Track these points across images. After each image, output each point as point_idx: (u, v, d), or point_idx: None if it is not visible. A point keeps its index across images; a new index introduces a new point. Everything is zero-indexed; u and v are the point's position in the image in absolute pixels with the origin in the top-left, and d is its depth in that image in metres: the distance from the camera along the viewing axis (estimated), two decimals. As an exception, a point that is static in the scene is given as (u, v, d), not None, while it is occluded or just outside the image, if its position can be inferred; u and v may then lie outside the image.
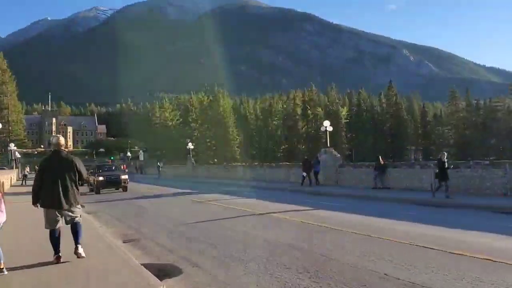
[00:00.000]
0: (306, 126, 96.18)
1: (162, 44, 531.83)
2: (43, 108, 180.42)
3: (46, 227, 7.00)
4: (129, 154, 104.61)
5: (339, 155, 26.60)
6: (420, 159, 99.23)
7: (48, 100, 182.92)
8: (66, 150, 7.51)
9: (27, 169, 49.11)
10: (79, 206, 7.32)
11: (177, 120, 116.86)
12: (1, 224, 6.42)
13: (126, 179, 26.16)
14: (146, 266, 6.92)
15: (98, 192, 24.63)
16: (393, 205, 15.34)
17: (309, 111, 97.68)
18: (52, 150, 7.25)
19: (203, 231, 10.55)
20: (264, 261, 7.17)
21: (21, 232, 10.20)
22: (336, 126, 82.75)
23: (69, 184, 6.97)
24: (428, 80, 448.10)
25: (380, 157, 21.74)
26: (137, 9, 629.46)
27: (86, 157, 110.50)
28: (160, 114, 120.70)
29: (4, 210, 6.43)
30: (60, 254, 6.98)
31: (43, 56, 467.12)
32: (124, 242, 9.56)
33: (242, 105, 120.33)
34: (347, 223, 10.86)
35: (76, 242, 7.13)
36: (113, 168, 29.23)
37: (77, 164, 7.18)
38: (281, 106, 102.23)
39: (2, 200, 6.44)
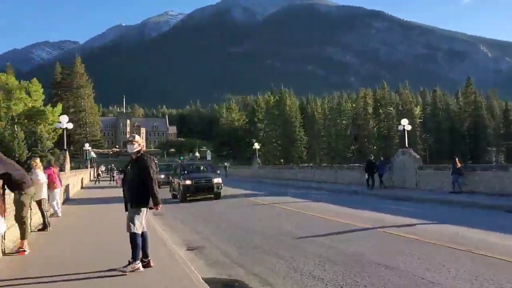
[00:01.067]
0: (377, 126, 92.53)
1: (229, 46, 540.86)
2: (118, 110, 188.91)
3: (137, 230, 6.38)
4: (197, 154, 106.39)
5: (418, 156, 24.50)
6: (503, 161, 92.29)
7: (123, 102, 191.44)
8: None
9: (102, 168, 50.80)
10: None
11: (243, 120, 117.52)
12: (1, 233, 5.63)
13: (219, 184, 20.07)
14: (210, 281, 6.13)
15: (184, 200, 19.36)
16: (489, 214, 13.40)
17: (380, 110, 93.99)
18: (142, 150, 6.82)
19: (275, 240, 9.45)
20: (349, 282, 5.98)
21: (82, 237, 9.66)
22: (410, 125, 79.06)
23: None
24: (508, 77, 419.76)
25: (457, 158, 19.58)
26: (205, 12, 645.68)
27: (158, 157, 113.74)
28: (226, 115, 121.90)
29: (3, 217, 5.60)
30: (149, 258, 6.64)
31: (118, 60, 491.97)
32: (187, 250, 8.75)
33: (309, 105, 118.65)
34: (444, 236, 9.29)
35: (147, 252, 6.70)
36: (201, 168, 22.60)
37: None
38: (350, 105, 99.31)
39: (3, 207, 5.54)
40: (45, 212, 10.74)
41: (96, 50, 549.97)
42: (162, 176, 28.88)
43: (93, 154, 64.96)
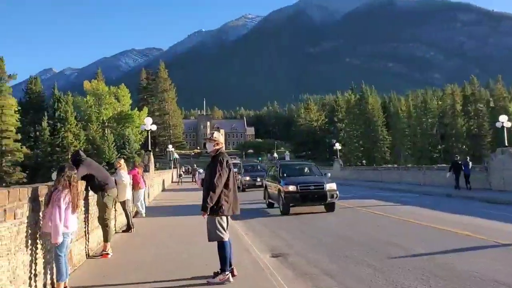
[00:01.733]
0: (466, 124, 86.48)
1: (307, 46, 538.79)
2: (199, 113, 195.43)
3: (218, 239, 5.94)
4: (275, 155, 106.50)
5: (521, 155, 22.10)
6: None
7: (203, 105, 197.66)
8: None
9: (183, 169, 52.27)
10: None
11: (322, 120, 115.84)
12: (71, 234, 5.22)
13: (334, 191, 14.74)
14: (300, 295, 5.42)
15: (286, 212, 14.74)
16: None
17: (469, 107, 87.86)
18: (221, 150, 6.31)
19: (367, 248, 8.58)
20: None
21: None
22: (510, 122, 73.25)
23: None
24: None
25: None
26: (282, 14, 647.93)
27: (237, 157, 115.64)
28: (305, 115, 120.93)
29: (74, 216, 5.26)
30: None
31: (199, 64, 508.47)
32: (271, 256, 8.15)
33: (392, 103, 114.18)
34: None
35: (231, 260, 6.13)
36: (305, 169, 17.79)
37: None
38: (436, 102, 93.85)
39: (73, 203, 5.19)
40: (129, 213, 10.72)
41: (179, 56, 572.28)
42: (247, 178, 27.75)
43: (176, 155, 67.17)
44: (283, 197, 14.66)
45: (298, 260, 7.79)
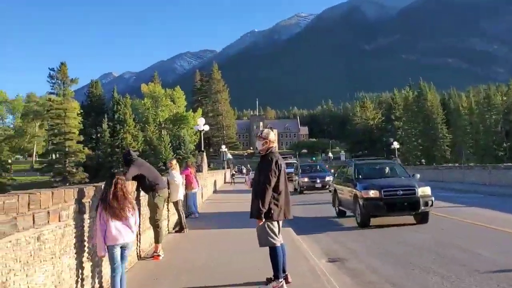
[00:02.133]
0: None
1: (362, 43, 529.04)
2: (252, 113, 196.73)
3: (269, 244, 5.58)
4: (330, 154, 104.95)
5: None
6: None
7: (256, 105, 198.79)
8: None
9: (235, 169, 52.74)
10: None
11: (378, 118, 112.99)
12: (121, 245, 4.88)
13: (428, 197, 11.46)
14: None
15: (366, 223, 11.51)
16: None
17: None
18: (273, 149, 5.87)
19: (433, 254, 7.91)
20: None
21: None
22: None
23: None
24: None
25: None
26: (336, 11, 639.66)
27: (292, 157, 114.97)
28: (360, 113, 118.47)
29: (125, 224, 4.88)
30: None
31: (251, 65, 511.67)
32: (328, 261, 7.71)
33: (451, 99, 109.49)
34: None
35: (285, 267, 5.80)
36: (387, 170, 14.27)
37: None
38: (500, 98, 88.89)
39: (115, 211, 4.77)
40: (181, 214, 10.62)
41: (231, 57, 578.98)
42: (305, 179, 25.44)
43: (229, 155, 67.79)
44: (361, 204, 11.47)
45: (356, 266, 7.32)
